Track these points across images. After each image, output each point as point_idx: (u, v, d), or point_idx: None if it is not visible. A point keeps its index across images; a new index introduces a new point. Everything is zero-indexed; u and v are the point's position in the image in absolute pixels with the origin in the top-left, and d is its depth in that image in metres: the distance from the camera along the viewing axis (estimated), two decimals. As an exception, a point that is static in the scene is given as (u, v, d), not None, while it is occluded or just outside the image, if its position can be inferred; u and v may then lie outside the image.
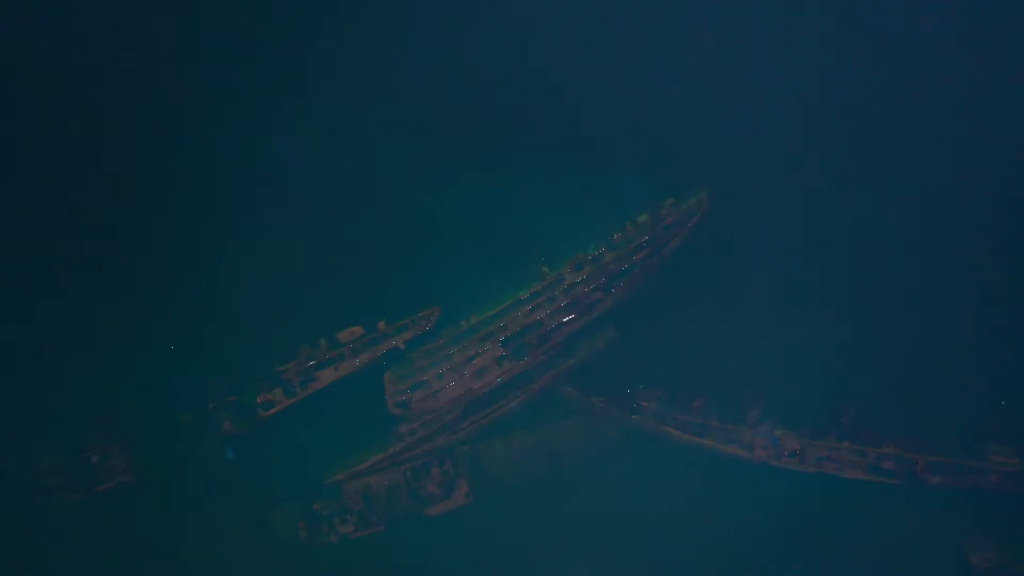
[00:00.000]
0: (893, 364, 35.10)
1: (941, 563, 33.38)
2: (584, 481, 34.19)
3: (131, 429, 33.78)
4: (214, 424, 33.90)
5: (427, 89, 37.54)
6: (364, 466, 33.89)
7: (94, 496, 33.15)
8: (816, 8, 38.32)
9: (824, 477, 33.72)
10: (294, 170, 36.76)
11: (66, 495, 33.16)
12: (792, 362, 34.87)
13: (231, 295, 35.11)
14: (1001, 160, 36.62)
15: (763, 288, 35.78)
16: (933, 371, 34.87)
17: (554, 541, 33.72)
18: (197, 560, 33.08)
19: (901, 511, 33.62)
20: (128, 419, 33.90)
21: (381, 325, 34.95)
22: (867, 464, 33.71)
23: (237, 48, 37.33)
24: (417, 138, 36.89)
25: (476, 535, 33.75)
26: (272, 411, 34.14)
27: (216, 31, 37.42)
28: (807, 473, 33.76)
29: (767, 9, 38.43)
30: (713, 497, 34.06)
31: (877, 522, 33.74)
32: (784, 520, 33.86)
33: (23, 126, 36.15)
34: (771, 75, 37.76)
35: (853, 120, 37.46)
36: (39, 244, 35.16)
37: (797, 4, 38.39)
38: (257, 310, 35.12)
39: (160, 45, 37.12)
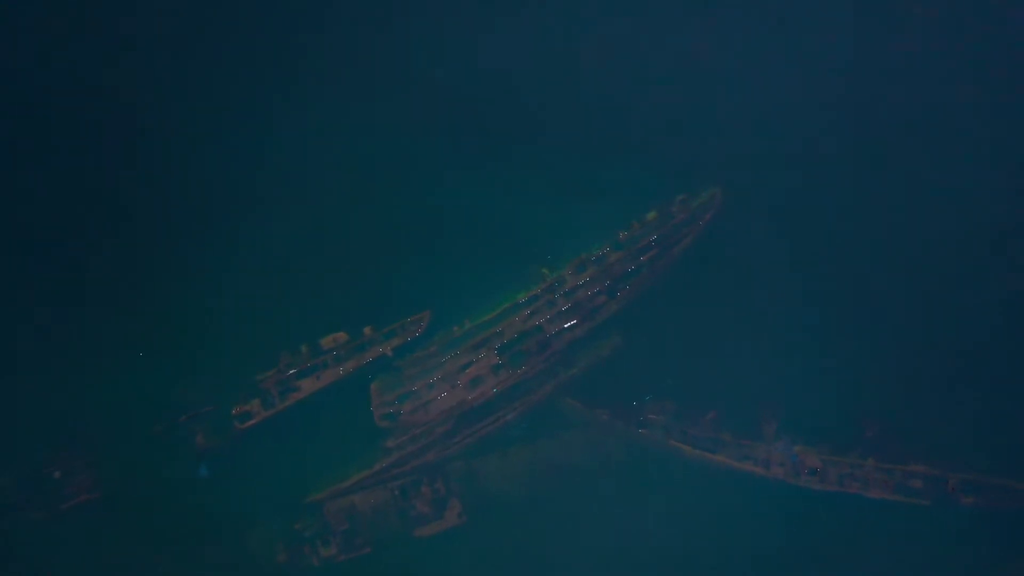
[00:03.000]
0: (922, 374, 33.86)
1: (974, 591, 32.30)
2: (586, 500, 33.19)
3: (97, 442, 33.09)
4: (186, 437, 33.11)
5: (417, 77, 37.02)
6: (349, 483, 32.97)
7: (56, 515, 32.36)
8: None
9: (846, 497, 32.65)
10: (273, 165, 36.13)
11: (26, 514, 32.35)
12: (812, 372, 33.91)
13: (204, 298, 34.40)
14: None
15: (781, 292, 34.70)
16: (966, 382, 33.71)
17: (554, 565, 32.73)
18: (168, 584, 32.18)
19: (931, 534, 32.44)
20: (93, 431, 33.20)
21: (367, 331, 34.19)
22: (894, 483, 32.61)
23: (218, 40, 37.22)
24: (405, 128, 36.29)
25: (469, 558, 32.79)
26: (249, 423, 33.36)
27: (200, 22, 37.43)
28: (828, 492, 32.72)
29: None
30: (726, 517, 32.97)
31: (904, 546, 32.52)
32: (803, 543, 32.71)
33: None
34: (791, 59, 37.11)
35: (882, 111, 36.67)
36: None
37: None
38: (233, 314, 34.37)
39: (148, 40, 37.19)
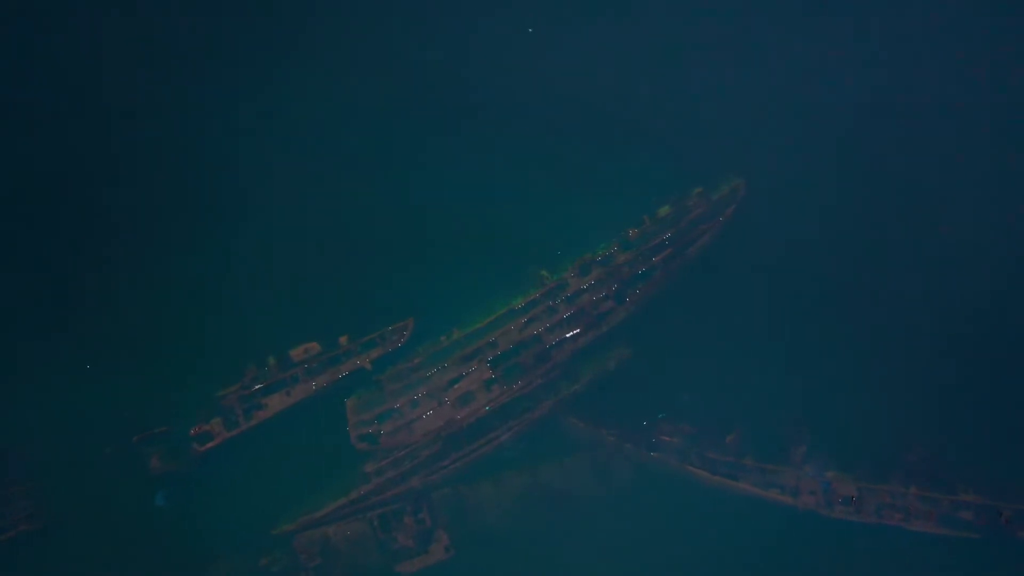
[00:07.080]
0: (970, 390, 32.46)
1: (1031, 635, 31.33)
2: (590, 533, 31.74)
3: (38, 466, 31.80)
4: (139, 461, 31.77)
5: (400, 55, 36.09)
6: (322, 513, 31.60)
7: (-9, 548, 31.38)
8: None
9: (886, 529, 31.14)
10: (239, 155, 35.11)
11: (-43, 547, 31.16)
12: (846, 388, 32.53)
13: (159, 305, 33.41)
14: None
15: (810, 298, 33.54)
16: (1019, 399, 32.12)
17: (553, 606, 31.64)
18: (118, 627, 31.40)
19: (981, 572, 30.87)
20: (34, 454, 31.93)
21: (343, 341, 33.05)
22: (939, 514, 31.10)
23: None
24: (386, 110, 35.48)
25: (457, 598, 31.72)
26: (209, 445, 32.08)
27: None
28: (865, 524, 31.29)
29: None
30: (749, 553, 31.38)
31: (952, 585, 31.44)
32: (837, 581, 31.73)
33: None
34: (825, 37, 35.92)
35: (927, 100, 35.26)
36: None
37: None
38: (192, 322, 33.34)
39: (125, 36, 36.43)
